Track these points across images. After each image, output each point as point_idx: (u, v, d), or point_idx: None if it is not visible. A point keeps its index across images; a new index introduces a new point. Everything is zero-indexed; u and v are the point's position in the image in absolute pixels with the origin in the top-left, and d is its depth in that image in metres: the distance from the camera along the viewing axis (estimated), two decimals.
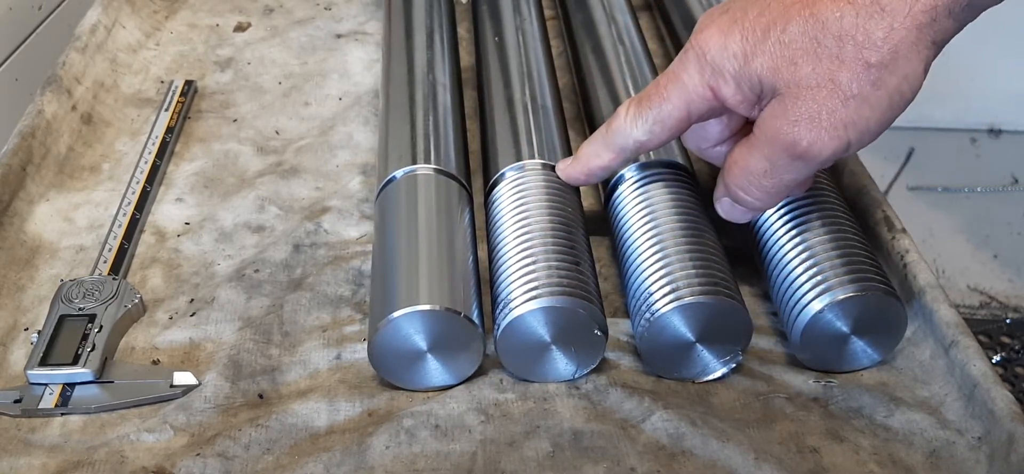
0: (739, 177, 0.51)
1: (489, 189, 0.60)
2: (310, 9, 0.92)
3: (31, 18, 0.99)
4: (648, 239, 0.54)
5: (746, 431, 0.49)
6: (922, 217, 1.54)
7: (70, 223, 0.65)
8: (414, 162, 0.59)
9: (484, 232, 0.59)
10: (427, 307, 0.49)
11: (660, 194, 0.56)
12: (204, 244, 0.64)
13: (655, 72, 0.70)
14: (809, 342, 0.52)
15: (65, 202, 0.67)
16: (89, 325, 0.55)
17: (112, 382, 0.53)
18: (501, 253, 0.54)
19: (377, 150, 0.68)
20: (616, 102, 0.66)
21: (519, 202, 0.56)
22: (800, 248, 0.53)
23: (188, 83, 0.79)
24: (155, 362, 0.55)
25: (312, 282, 0.59)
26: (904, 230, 0.59)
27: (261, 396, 0.53)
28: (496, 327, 0.51)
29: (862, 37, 0.45)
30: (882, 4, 0.44)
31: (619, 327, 0.56)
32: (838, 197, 0.57)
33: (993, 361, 1.33)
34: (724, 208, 0.54)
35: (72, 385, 0.52)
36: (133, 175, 0.68)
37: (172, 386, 0.53)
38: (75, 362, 0.53)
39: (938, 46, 0.46)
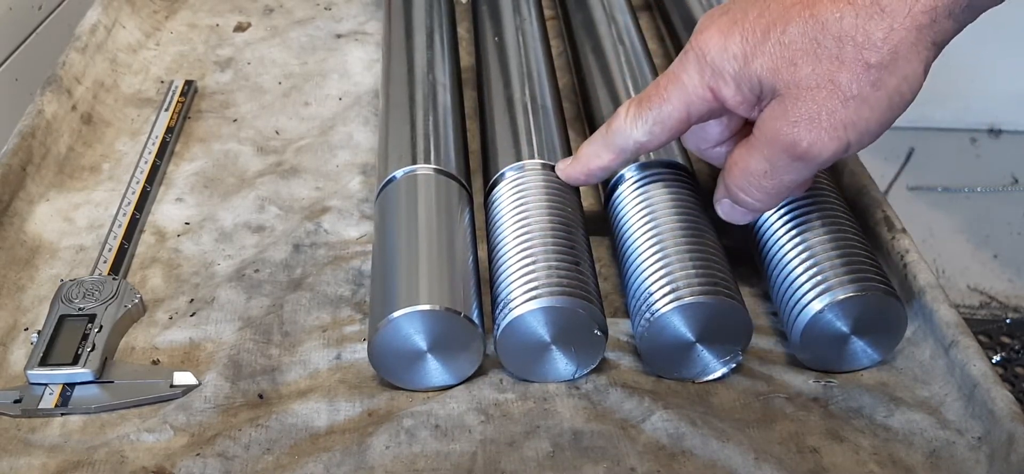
0: (739, 178, 0.51)
1: (489, 189, 0.60)
2: (310, 9, 0.92)
3: (31, 18, 0.99)
4: (648, 239, 0.54)
5: (746, 431, 0.49)
6: (922, 217, 1.54)
7: (70, 223, 0.65)
8: (414, 162, 0.59)
9: (484, 232, 0.59)
10: (427, 307, 0.49)
11: (660, 194, 0.56)
12: (204, 244, 0.64)
13: (655, 72, 0.70)
14: (809, 342, 0.52)
15: (65, 202, 0.67)
16: (89, 325, 0.55)
17: (112, 382, 0.53)
18: (501, 253, 0.54)
19: (377, 150, 0.68)
20: (616, 102, 0.66)
21: (519, 202, 0.56)
22: (800, 248, 0.53)
23: (188, 83, 0.79)
24: (155, 362, 0.55)
25: (312, 282, 0.59)
26: (904, 230, 0.59)
27: (261, 396, 0.53)
28: (496, 327, 0.51)
29: (862, 38, 0.45)
30: (882, 5, 0.44)
31: (619, 327, 0.56)
32: (838, 197, 0.57)
33: (993, 361, 1.33)
34: (724, 209, 0.54)
35: (72, 385, 0.52)
36: (133, 175, 0.68)
37: (172, 386, 0.53)
38: (75, 362, 0.53)
39: (938, 47, 0.46)
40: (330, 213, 0.65)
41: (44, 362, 0.53)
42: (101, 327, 0.55)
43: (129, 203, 0.65)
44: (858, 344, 0.52)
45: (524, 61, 0.70)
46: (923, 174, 1.63)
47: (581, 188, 0.60)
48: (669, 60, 0.74)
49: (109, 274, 0.59)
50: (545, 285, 0.50)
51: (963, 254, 1.50)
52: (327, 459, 0.48)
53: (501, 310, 0.51)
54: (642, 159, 0.59)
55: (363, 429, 0.50)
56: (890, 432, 0.50)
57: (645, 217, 0.55)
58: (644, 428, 0.49)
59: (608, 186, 0.60)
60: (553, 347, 0.51)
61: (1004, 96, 1.66)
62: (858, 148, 0.47)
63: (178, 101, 0.76)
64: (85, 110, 0.75)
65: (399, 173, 0.59)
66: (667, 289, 0.51)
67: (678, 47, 0.78)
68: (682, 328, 0.51)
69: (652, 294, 0.51)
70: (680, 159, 0.60)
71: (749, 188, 0.51)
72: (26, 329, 0.57)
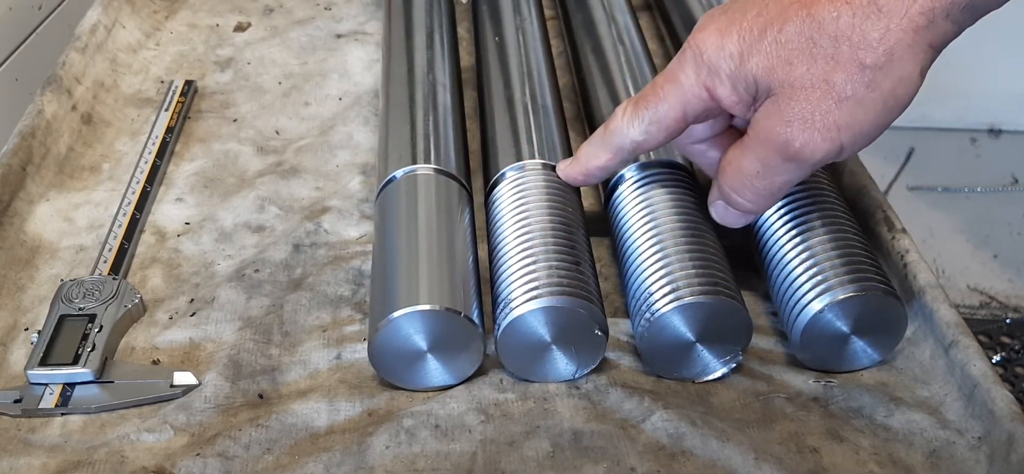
0: (732, 178, 0.51)
1: (489, 189, 0.60)
2: (310, 9, 0.92)
3: (31, 18, 0.99)
4: (648, 239, 0.54)
5: (746, 431, 0.49)
6: (922, 217, 1.54)
7: (70, 223, 0.65)
8: (414, 162, 0.59)
9: (484, 232, 0.59)
10: (427, 307, 0.49)
11: (660, 194, 0.56)
12: (204, 244, 0.64)
13: (655, 72, 0.69)
14: (809, 342, 0.52)
15: (65, 202, 0.67)
16: (89, 325, 0.55)
17: (112, 382, 0.53)
18: (501, 253, 0.54)
19: (377, 150, 0.68)
20: (616, 102, 0.66)
21: (519, 202, 0.56)
22: (800, 248, 0.53)
23: (188, 83, 0.79)
24: (155, 362, 0.55)
25: (312, 282, 0.59)
26: (904, 230, 0.59)
27: (261, 396, 0.53)
28: (496, 327, 0.51)
29: (858, 38, 0.44)
30: (879, 5, 0.44)
31: (619, 327, 0.56)
32: (838, 197, 0.57)
33: (993, 361, 1.33)
34: (718, 212, 0.53)
35: (72, 385, 0.52)
36: (133, 175, 0.68)
37: (172, 386, 0.53)
38: (75, 362, 0.53)
39: (936, 50, 0.45)
40: (330, 213, 0.65)
41: (44, 362, 0.53)
42: (101, 327, 0.55)
43: (129, 203, 0.65)
44: (858, 344, 0.52)
45: (524, 61, 0.70)
46: (923, 174, 1.63)
47: (581, 188, 0.60)
48: (669, 60, 0.74)
49: (109, 274, 0.59)
50: (546, 285, 0.50)
51: (963, 254, 1.50)
52: (327, 459, 0.48)
53: (501, 310, 0.51)
54: (642, 159, 0.59)
55: (363, 429, 0.50)
56: (890, 432, 0.50)
57: (645, 217, 0.55)
58: (644, 428, 0.49)
59: (608, 186, 0.60)
60: (553, 347, 0.51)
61: (1004, 96, 1.67)
62: (852, 151, 0.47)
63: (178, 101, 0.76)
64: (85, 110, 0.75)
65: (399, 173, 0.59)
66: (667, 289, 0.51)
67: (678, 47, 0.77)
68: (682, 328, 0.51)
69: (652, 294, 0.51)
70: (680, 159, 0.60)
71: (742, 189, 0.51)
72: (26, 329, 0.57)
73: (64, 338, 0.54)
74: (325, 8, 0.92)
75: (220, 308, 0.58)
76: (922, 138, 1.66)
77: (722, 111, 0.50)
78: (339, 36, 0.87)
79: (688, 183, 0.58)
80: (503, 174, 0.59)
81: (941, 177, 1.62)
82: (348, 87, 0.80)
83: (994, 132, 1.71)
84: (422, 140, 0.61)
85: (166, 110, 0.75)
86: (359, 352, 0.55)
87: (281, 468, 0.48)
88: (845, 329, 0.52)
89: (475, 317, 0.51)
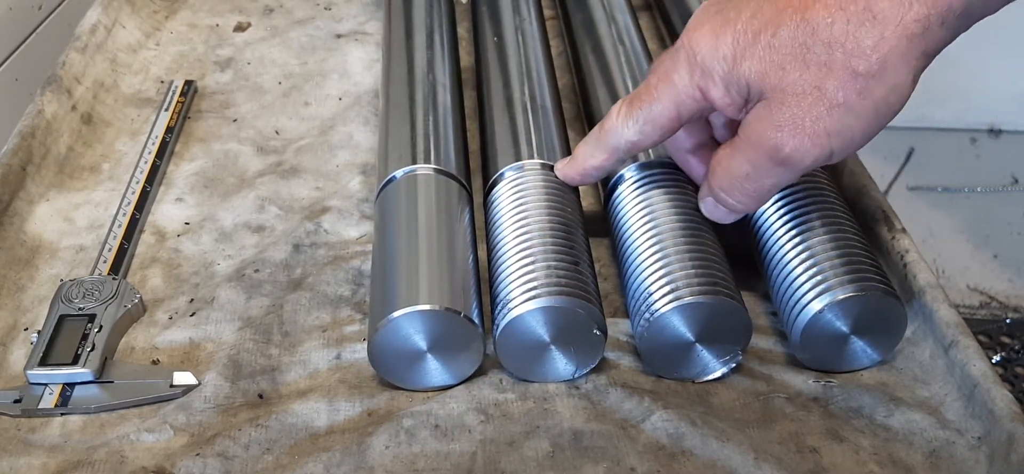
0: (722, 179, 0.51)
1: (489, 189, 0.60)
2: (310, 9, 0.92)
3: (31, 18, 0.99)
4: (647, 239, 0.54)
5: (746, 431, 0.49)
6: (922, 217, 1.54)
7: (70, 223, 0.65)
8: (414, 162, 0.59)
9: (484, 232, 0.59)
10: (427, 307, 0.49)
11: (659, 194, 0.56)
12: (204, 244, 0.64)
13: None
14: (809, 342, 0.52)
15: (65, 202, 0.67)
16: (89, 325, 0.55)
17: (112, 382, 0.53)
18: (501, 253, 0.54)
19: (377, 150, 0.68)
20: (615, 102, 0.66)
21: (518, 202, 0.56)
22: (800, 248, 0.53)
23: (188, 83, 0.79)
24: (155, 362, 0.55)
25: (312, 282, 0.59)
26: (904, 230, 0.59)
27: (261, 396, 0.53)
28: (496, 327, 0.51)
29: (851, 45, 0.44)
30: (874, 12, 0.44)
31: (619, 327, 0.56)
32: (838, 197, 0.57)
33: (993, 361, 1.33)
34: (708, 208, 0.54)
35: (72, 385, 0.52)
36: (133, 175, 0.68)
37: (172, 386, 0.53)
38: (75, 362, 0.53)
39: (929, 57, 0.45)
40: (330, 213, 0.65)
41: (44, 362, 0.53)
42: (101, 327, 0.55)
43: (129, 203, 0.65)
44: (858, 344, 0.52)
45: (524, 61, 0.70)
46: (923, 174, 1.63)
47: (581, 188, 0.60)
48: None
49: (109, 274, 0.59)
50: (544, 285, 0.50)
51: (963, 254, 1.50)
52: (327, 459, 0.48)
53: (501, 310, 0.51)
54: (641, 159, 0.59)
55: (363, 429, 0.50)
56: (890, 432, 0.50)
57: (644, 217, 0.55)
58: (644, 428, 0.49)
59: (608, 186, 0.60)
60: (553, 347, 0.51)
61: (1004, 96, 1.66)
62: (842, 155, 0.47)
63: (178, 101, 0.76)
64: (85, 110, 0.75)
65: (399, 173, 0.59)
66: (666, 289, 0.51)
67: None
68: (681, 328, 0.51)
69: (651, 294, 0.51)
70: None
71: (731, 189, 0.51)
72: (26, 329, 0.57)
73: (64, 338, 0.54)
74: (325, 8, 0.92)
75: (220, 308, 0.58)
76: (922, 138, 1.66)
77: (715, 111, 0.50)
78: (339, 36, 0.87)
79: (687, 183, 0.58)
80: (502, 174, 0.59)
81: (941, 177, 1.62)
82: (348, 87, 0.80)
83: (994, 132, 1.71)
84: (422, 140, 0.61)
85: (166, 110, 0.75)
86: (359, 352, 0.55)
87: (281, 468, 0.48)
88: (845, 329, 0.52)
89: (475, 317, 0.51)
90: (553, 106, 0.66)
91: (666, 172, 0.58)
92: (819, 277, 0.51)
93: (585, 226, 0.57)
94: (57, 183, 0.68)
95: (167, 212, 0.66)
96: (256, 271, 0.60)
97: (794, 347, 0.53)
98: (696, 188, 0.58)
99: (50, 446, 0.50)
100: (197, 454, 0.48)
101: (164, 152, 0.71)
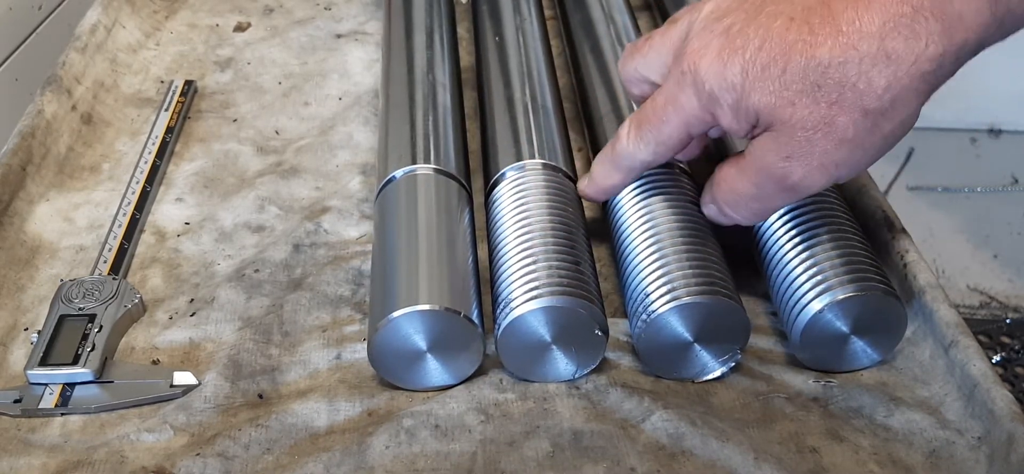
0: (727, 195, 0.51)
1: (489, 189, 0.60)
2: (310, 9, 0.92)
3: (31, 18, 0.99)
4: (646, 239, 0.54)
5: (746, 431, 0.49)
6: (922, 217, 1.54)
7: (70, 223, 0.65)
8: (414, 162, 0.59)
9: (484, 232, 0.59)
10: (427, 307, 0.49)
11: (659, 195, 0.56)
12: (204, 244, 0.64)
13: None
14: (809, 342, 0.52)
15: (65, 202, 0.67)
16: (89, 325, 0.55)
17: (112, 382, 0.53)
18: (501, 253, 0.54)
19: (377, 150, 0.68)
20: (614, 102, 0.66)
21: (519, 202, 0.56)
22: (800, 248, 0.53)
23: (188, 83, 0.79)
24: (155, 362, 0.55)
25: (312, 282, 0.59)
26: (904, 230, 0.59)
27: (261, 396, 0.53)
28: (496, 327, 0.51)
29: (863, 85, 0.44)
30: (888, 53, 0.43)
31: (619, 327, 0.56)
32: (838, 197, 0.57)
33: (993, 361, 1.33)
34: (710, 213, 0.54)
35: (72, 385, 0.52)
36: (133, 175, 0.68)
37: (172, 386, 0.53)
38: (75, 362, 0.53)
39: (935, 88, 0.45)
40: (330, 213, 0.65)
41: (44, 362, 0.53)
42: (101, 327, 0.55)
43: (129, 203, 0.65)
44: (858, 344, 0.52)
45: (524, 61, 0.70)
46: (923, 174, 1.63)
47: None
48: None
49: (109, 274, 0.59)
50: (546, 285, 0.50)
51: (963, 254, 1.50)
52: (327, 459, 0.48)
53: (502, 310, 0.51)
54: None
55: (363, 429, 0.50)
56: (890, 432, 0.50)
57: (643, 217, 0.55)
58: (644, 428, 0.49)
59: None
60: (553, 347, 0.51)
61: (1004, 96, 1.66)
62: (847, 178, 0.48)
63: (178, 101, 0.76)
64: (85, 110, 0.75)
65: (399, 173, 0.59)
66: (664, 289, 0.51)
67: None
68: (680, 328, 0.51)
69: (649, 294, 0.51)
70: (679, 161, 0.60)
71: (735, 206, 0.51)
72: (26, 329, 0.57)
73: (64, 338, 0.54)
74: (325, 8, 0.92)
75: (220, 308, 0.58)
76: (922, 138, 1.66)
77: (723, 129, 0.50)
78: (339, 36, 0.87)
79: (686, 184, 0.58)
80: (503, 174, 0.59)
81: (941, 177, 1.62)
82: (348, 87, 0.80)
83: (994, 132, 1.71)
84: (422, 140, 0.61)
85: (166, 110, 0.75)
86: (359, 352, 0.55)
87: (281, 468, 0.48)
88: (845, 329, 0.52)
89: (475, 317, 0.51)
90: (554, 106, 0.66)
91: (665, 173, 0.58)
92: (819, 277, 0.51)
93: (586, 226, 0.57)
94: (57, 183, 0.68)
95: (167, 212, 0.66)
96: (256, 271, 0.60)
97: (794, 347, 0.53)
98: (696, 188, 0.58)
99: (50, 446, 0.50)
100: (197, 454, 0.48)
101: (164, 152, 0.71)
